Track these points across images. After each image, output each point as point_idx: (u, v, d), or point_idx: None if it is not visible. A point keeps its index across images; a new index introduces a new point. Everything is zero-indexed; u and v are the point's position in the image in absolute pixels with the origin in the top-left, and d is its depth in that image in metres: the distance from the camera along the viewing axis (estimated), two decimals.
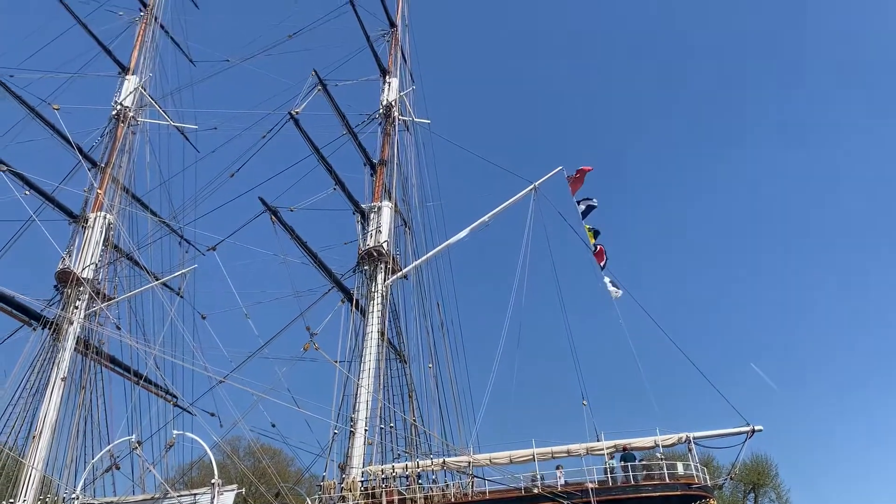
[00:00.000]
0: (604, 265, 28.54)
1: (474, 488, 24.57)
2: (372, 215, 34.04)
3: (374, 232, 33.56)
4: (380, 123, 37.41)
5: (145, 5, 43.04)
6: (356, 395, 29.62)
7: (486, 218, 31.30)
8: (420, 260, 33.14)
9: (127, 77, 40.34)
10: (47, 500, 30.57)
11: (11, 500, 29.77)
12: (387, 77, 38.90)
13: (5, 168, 34.27)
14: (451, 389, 30.72)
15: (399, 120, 37.67)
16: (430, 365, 31.58)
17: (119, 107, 39.36)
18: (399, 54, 40.17)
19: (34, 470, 30.68)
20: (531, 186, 30.63)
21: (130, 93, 39.85)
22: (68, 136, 36.86)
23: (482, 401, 28.34)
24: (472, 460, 25.10)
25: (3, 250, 35.01)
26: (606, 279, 28.33)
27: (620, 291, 27.93)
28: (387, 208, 34.20)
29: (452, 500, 24.10)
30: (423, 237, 35.65)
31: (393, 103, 37.72)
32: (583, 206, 29.29)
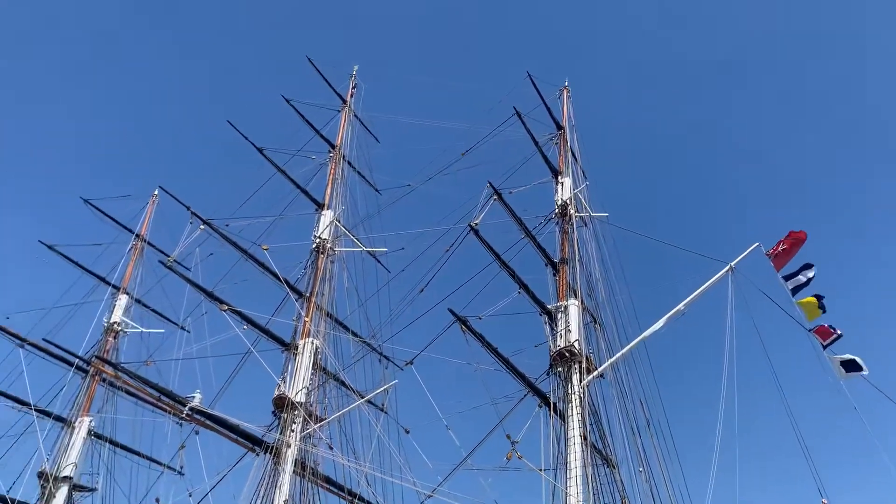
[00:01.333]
0: (830, 342, 25.09)
1: None
2: (559, 315, 33.63)
3: (563, 332, 33.02)
4: (556, 223, 37.57)
5: (333, 146, 47.44)
6: (565, 502, 28.40)
7: (681, 306, 29.74)
8: (616, 356, 31.92)
9: (323, 212, 44.16)
10: None
11: None
12: (559, 177, 39.34)
13: (227, 307, 38.21)
14: (667, 493, 28.56)
15: (576, 217, 37.64)
16: (641, 469, 29.73)
17: (318, 240, 42.92)
18: (569, 154, 40.63)
19: None
20: (727, 268, 28.82)
21: (327, 226, 43.41)
22: (277, 272, 40.66)
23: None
24: None
25: (227, 382, 38.57)
26: (835, 358, 24.81)
27: (853, 374, 24.22)
28: (573, 307, 33.67)
29: None
30: (614, 333, 34.50)
31: (568, 201, 37.86)
32: (792, 284, 26.51)
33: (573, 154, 41.28)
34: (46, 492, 39.28)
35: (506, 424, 30.76)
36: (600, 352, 34.20)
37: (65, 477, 39.73)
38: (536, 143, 40.09)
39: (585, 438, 29.98)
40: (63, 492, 39.58)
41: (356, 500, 36.51)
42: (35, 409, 39.79)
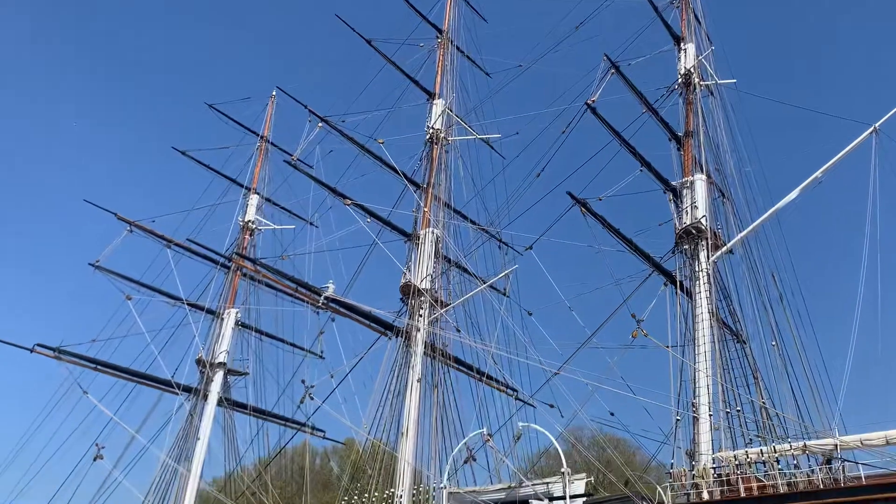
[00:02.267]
0: None
1: (846, 474, 21.90)
2: (684, 191, 32.44)
3: (689, 208, 31.93)
4: (680, 94, 35.57)
5: (440, 31, 46.47)
6: (694, 380, 28.38)
7: (818, 174, 27.92)
8: (747, 230, 30.70)
9: (434, 102, 43.90)
10: (420, 489, 34.28)
11: (392, 490, 33.92)
12: (681, 44, 36.86)
13: (350, 202, 39.48)
14: (801, 367, 27.91)
15: (701, 86, 35.47)
16: (774, 343, 29.06)
17: (431, 130, 42.97)
18: (692, 17, 37.84)
19: (406, 463, 34.63)
20: (870, 129, 26.60)
21: (439, 115, 43.27)
22: (394, 165, 41.35)
23: (842, 376, 25.27)
24: (839, 443, 22.44)
25: (357, 272, 40.39)
26: None
27: None
28: (700, 181, 32.32)
29: (821, 486, 21.77)
30: (744, 206, 33.10)
31: (692, 69, 35.60)
32: None
33: (696, 17, 38.45)
34: (205, 376, 43.45)
35: (629, 304, 30.68)
36: (729, 227, 33.05)
37: (219, 363, 43.65)
38: (655, 8, 37.50)
39: (714, 315, 29.50)
40: (219, 376, 43.62)
41: (484, 378, 38.09)
42: (187, 303, 43.43)
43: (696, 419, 27.41)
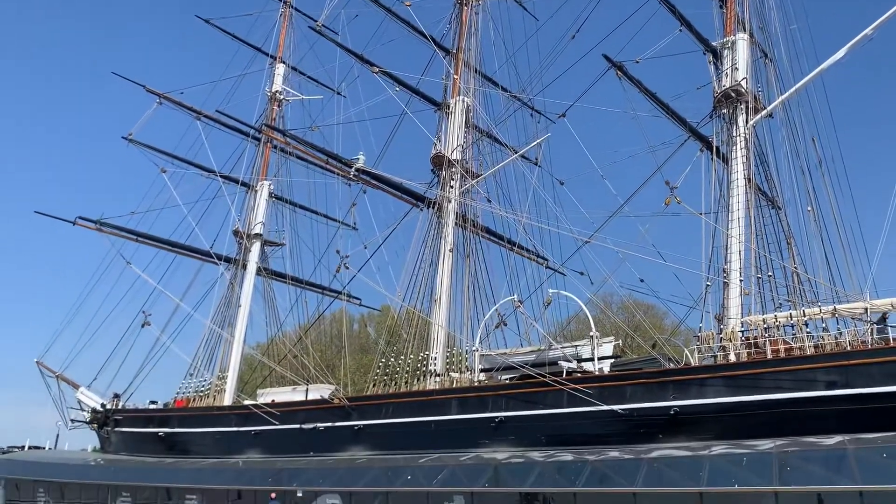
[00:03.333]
0: None
1: (874, 335, 22.17)
2: (725, 52, 30.99)
3: (729, 70, 30.65)
4: None
5: None
6: (726, 245, 28.36)
7: (868, 30, 26.36)
8: (788, 93, 29.52)
9: None
10: (453, 351, 35.67)
11: (426, 352, 35.32)
12: None
13: (378, 70, 38.64)
14: (836, 231, 27.65)
15: None
16: (810, 208, 28.66)
17: None
18: None
19: (440, 328, 35.84)
20: None
21: None
22: (422, 28, 39.99)
23: (877, 242, 25.06)
24: (869, 306, 22.57)
25: (387, 143, 40.20)
26: None
27: None
28: (742, 41, 30.80)
29: (848, 348, 22.12)
30: (787, 68, 31.62)
31: None
32: None
33: None
34: (243, 247, 44.61)
35: (664, 171, 30.20)
36: (770, 89, 31.78)
37: (256, 234, 44.67)
38: None
39: (750, 181, 29.01)
40: (256, 247, 44.76)
41: (515, 248, 38.56)
42: (220, 176, 43.97)
43: (726, 284, 27.63)
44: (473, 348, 32.90)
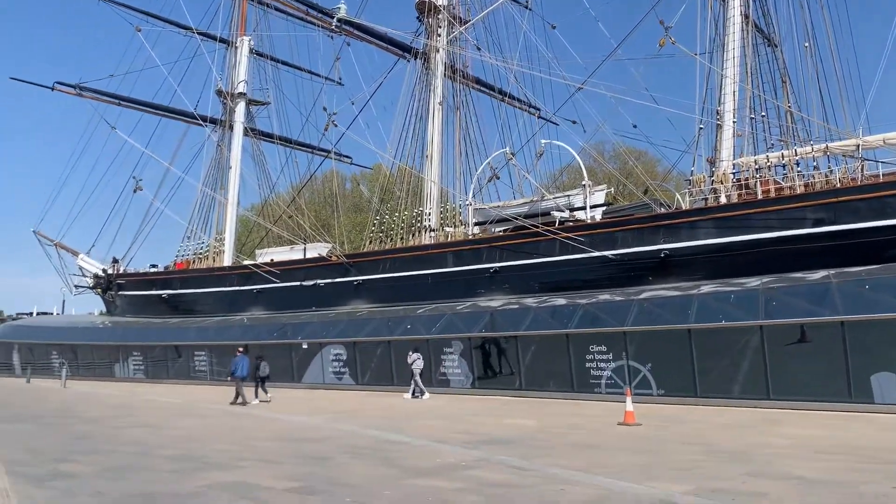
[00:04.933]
0: None
1: (864, 172, 22.28)
2: None
3: None
4: None
5: None
6: (720, 86, 27.81)
7: None
8: None
9: None
10: (446, 206, 35.90)
11: (420, 208, 35.53)
12: None
13: None
14: (833, 67, 27.02)
15: None
16: (807, 44, 27.84)
17: None
18: None
19: (432, 183, 35.83)
20: None
21: None
22: None
23: (874, 77, 24.60)
24: (861, 142, 22.51)
25: None
26: None
27: None
28: None
29: (838, 185, 22.29)
30: None
31: None
32: None
33: None
34: (227, 107, 43.59)
35: (658, 10, 29.02)
36: None
37: (240, 93, 43.48)
38: None
39: (747, 17, 27.98)
40: (241, 107, 43.71)
41: (506, 98, 37.78)
42: (198, 32, 42.11)
43: (719, 126, 27.36)
44: (467, 202, 33.06)
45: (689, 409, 17.45)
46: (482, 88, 38.33)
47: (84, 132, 68.44)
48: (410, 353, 24.21)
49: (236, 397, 21.07)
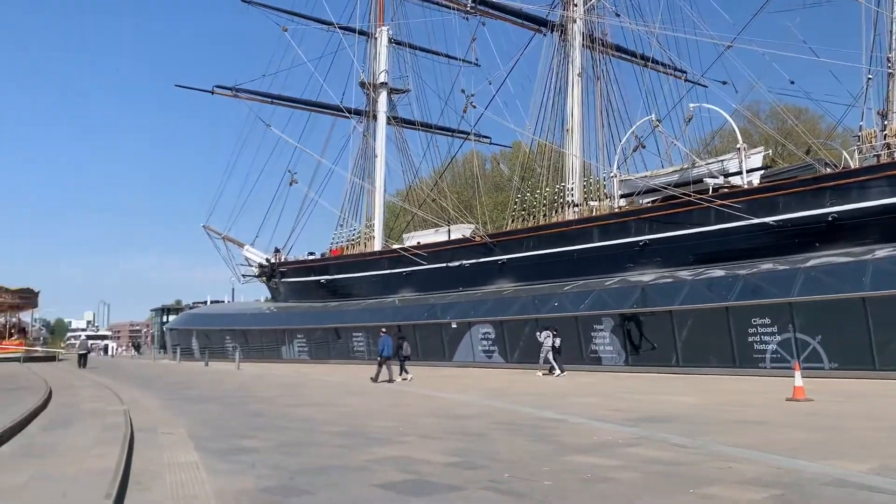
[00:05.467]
0: None
1: None
2: None
3: None
4: None
5: None
6: (891, 31, 25.20)
7: None
8: None
9: None
10: (590, 180, 35.15)
11: (562, 184, 35.04)
12: None
13: None
14: None
15: None
16: None
17: None
18: None
19: (574, 157, 35.18)
20: None
21: None
22: None
23: None
24: None
25: None
26: None
27: None
28: None
29: None
30: None
31: None
32: None
33: None
34: (370, 97, 45.01)
35: None
36: None
37: (381, 83, 44.75)
38: None
39: None
40: (383, 96, 44.99)
41: (650, 64, 36.29)
42: (339, 27, 43.70)
43: (890, 75, 24.87)
44: (611, 174, 32.20)
45: (866, 383, 16.12)
46: (623, 55, 37.05)
47: (242, 131, 73.19)
48: (539, 331, 24.05)
49: (377, 375, 21.53)
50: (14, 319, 55.06)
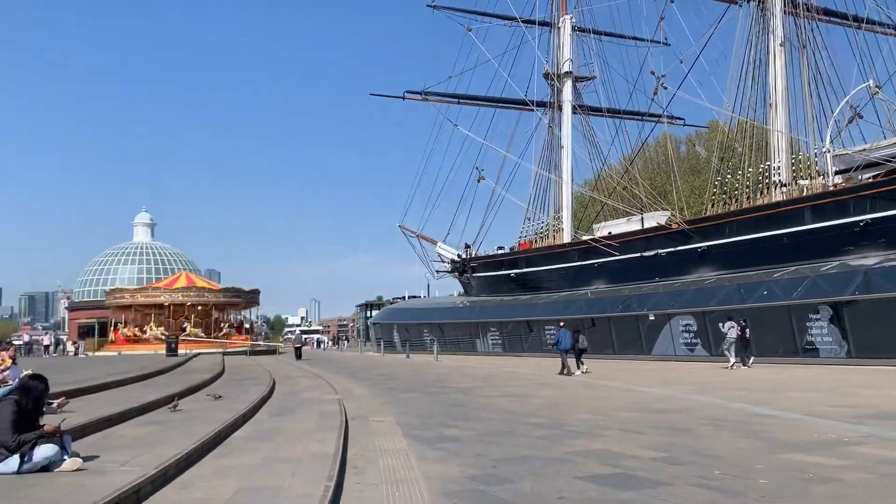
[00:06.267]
0: None
1: None
2: None
3: None
4: None
5: None
6: None
7: None
8: None
9: None
10: (798, 157, 32.33)
11: (767, 163, 32.55)
12: None
13: None
14: None
15: None
16: None
17: None
18: None
19: (779, 134, 32.54)
20: None
21: None
22: None
23: None
24: None
25: None
26: None
27: None
28: None
29: None
30: None
31: None
32: None
33: None
34: (555, 88, 44.68)
35: None
36: None
37: (566, 72, 44.24)
38: None
39: None
40: (568, 86, 44.45)
41: (864, 25, 32.63)
42: (521, 21, 43.81)
43: None
44: (823, 150, 29.43)
45: None
46: (832, 19, 33.65)
47: (431, 132, 75.96)
48: (723, 322, 22.55)
49: (563, 368, 21.64)
50: (240, 317, 61.34)
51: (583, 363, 22.25)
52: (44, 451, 6.02)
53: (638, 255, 35.26)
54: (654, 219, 36.23)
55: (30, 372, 7.76)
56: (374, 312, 78.19)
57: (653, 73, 37.68)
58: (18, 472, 5.87)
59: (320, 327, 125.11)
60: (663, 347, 29.40)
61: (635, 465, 7.10)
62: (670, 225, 34.05)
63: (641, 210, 38.44)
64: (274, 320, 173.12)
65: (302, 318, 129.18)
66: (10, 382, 9.18)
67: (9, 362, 9.89)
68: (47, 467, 5.99)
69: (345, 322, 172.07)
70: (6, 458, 5.93)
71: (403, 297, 73.49)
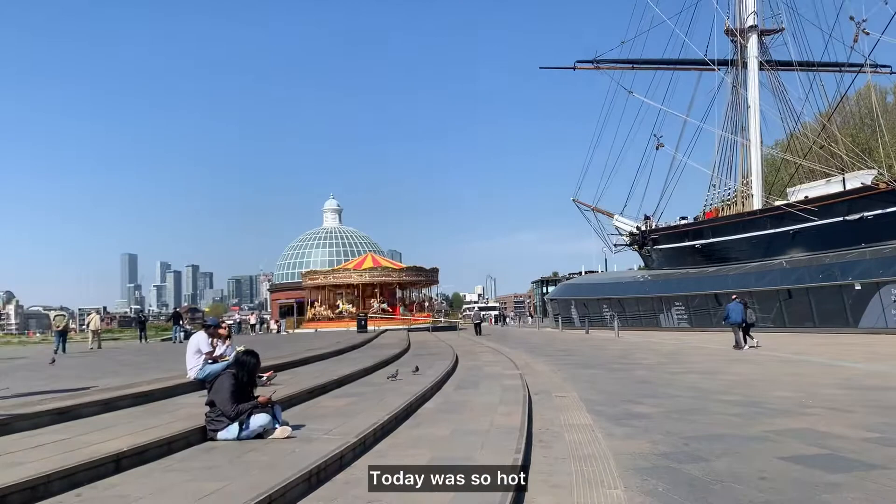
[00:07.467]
0: None
1: None
2: None
3: None
4: None
5: None
6: None
7: None
8: None
9: None
10: None
11: None
12: None
13: None
14: None
15: None
16: None
17: None
18: None
19: None
20: None
21: None
22: None
23: None
24: None
25: None
26: None
27: None
28: None
29: None
30: None
31: None
32: None
33: None
34: (738, 44, 41.66)
35: None
36: None
37: (750, 27, 41.09)
38: None
39: None
40: (753, 41, 41.26)
41: None
42: None
43: None
44: None
45: None
46: None
47: (604, 101, 74.00)
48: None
49: (739, 341, 20.63)
50: (421, 295, 63.70)
51: (751, 336, 21.13)
52: (259, 420, 6.67)
53: (840, 219, 32.21)
54: (857, 179, 32.89)
55: (243, 348, 8.58)
56: (551, 288, 77.94)
57: (852, 18, 34.12)
58: (238, 439, 6.56)
59: (497, 304, 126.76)
60: (872, 319, 26.74)
61: (844, 445, 6.55)
62: (877, 185, 30.75)
63: (842, 170, 35.03)
64: (452, 297, 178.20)
65: (479, 296, 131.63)
66: (227, 358, 10.19)
67: (228, 342, 10.98)
68: (261, 434, 6.64)
69: (521, 299, 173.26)
70: (227, 426, 6.64)
71: (580, 273, 72.57)
